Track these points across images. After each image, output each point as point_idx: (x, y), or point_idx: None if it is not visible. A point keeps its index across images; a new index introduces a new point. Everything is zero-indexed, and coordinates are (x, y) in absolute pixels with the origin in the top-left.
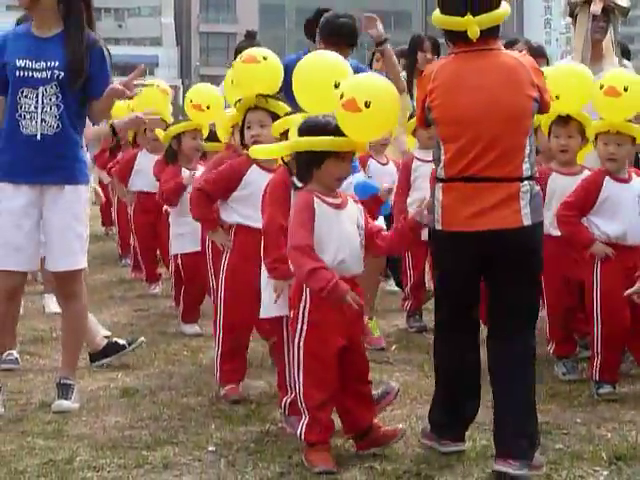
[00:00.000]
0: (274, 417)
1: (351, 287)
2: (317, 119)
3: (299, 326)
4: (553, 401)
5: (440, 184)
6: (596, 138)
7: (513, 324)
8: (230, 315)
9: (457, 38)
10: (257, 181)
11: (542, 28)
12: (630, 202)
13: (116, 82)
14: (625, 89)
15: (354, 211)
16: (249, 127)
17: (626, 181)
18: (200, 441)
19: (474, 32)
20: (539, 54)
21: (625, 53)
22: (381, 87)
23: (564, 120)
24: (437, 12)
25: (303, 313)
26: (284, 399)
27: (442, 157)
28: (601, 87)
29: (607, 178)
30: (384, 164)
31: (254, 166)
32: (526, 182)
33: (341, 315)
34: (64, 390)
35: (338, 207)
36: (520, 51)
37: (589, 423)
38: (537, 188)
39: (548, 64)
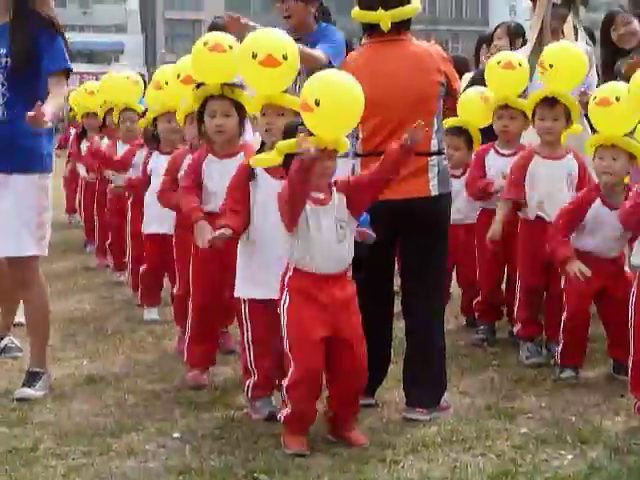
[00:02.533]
0: (239, 403)
1: (335, 283)
2: (294, 122)
3: (283, 320)
4: (518, 386)
5: (358, 159)
6: (594, 153)
7: (425, 284)
8: (200, 297)
9: (372, 30)
10: (215, 169)
11: (507, 14)
12: (616, 223)
13: (79, 68)
14: (617, 99)
15: (337, 205)
16: (213, 116)
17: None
18: (165, 428)
19: (386, 24)
20: (516, 34)
21: (591, 38)
22: (331, 83)
23: (550, 102)
24: (356, 8)
25: (283, 308)
26: (246, 382)
27: (360, 135)
28: (594, 99)
29: (598, 201)
30: None
31: (210, 156)
32: (434, 157)
33: (319, 306)
34: (30, 378)
35: (319, 203)
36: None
37: (554, 407)
38: (445, 162)
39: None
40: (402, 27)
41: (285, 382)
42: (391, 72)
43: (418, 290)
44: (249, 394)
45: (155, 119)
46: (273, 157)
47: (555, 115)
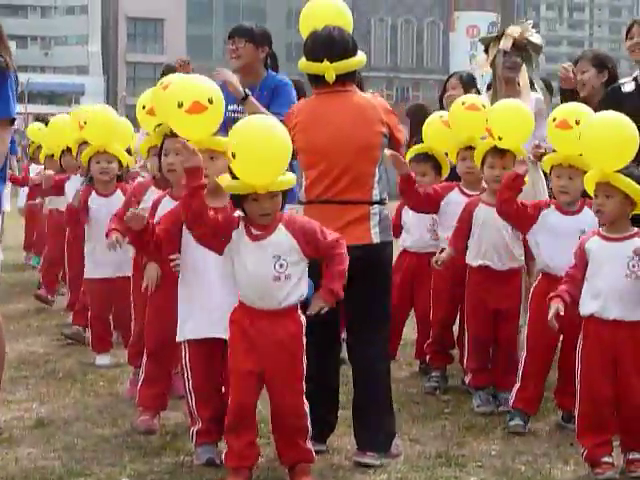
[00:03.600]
0: (189, 448)
1: (275, 319)
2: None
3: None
4: (469, 433)
5: (302, 206)
6: (550, 172)
7: (369, 330)
8: (153, 340)
9: (317, 81)
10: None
11: (467, 63)
12: (574, 235)
13: (39, 109)
14: (577, 122)
15: (279, 242)
16: (166, 154)
17: (573, 213)
18: (114, 473)
19: (330, 76)
20: (470, 84)
21: (548, 89)
22: (247, 135)
23: (501, 151)
24: (303, 59)
25: (228, 339)
26: (191, 428)
27: (303, 182)
28: (553, 120)
29: (552, 207)
30: None
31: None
32: (375, 205)
33: (250, 342)
34: None
35: (256, 238)
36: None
37: (504, 456)
38: (386, 212)
39: (479, 93)
40: (347, 79)
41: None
42: (335, 122)
43: (361, 336)
44: (194, 440)
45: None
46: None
47: (504, 164)
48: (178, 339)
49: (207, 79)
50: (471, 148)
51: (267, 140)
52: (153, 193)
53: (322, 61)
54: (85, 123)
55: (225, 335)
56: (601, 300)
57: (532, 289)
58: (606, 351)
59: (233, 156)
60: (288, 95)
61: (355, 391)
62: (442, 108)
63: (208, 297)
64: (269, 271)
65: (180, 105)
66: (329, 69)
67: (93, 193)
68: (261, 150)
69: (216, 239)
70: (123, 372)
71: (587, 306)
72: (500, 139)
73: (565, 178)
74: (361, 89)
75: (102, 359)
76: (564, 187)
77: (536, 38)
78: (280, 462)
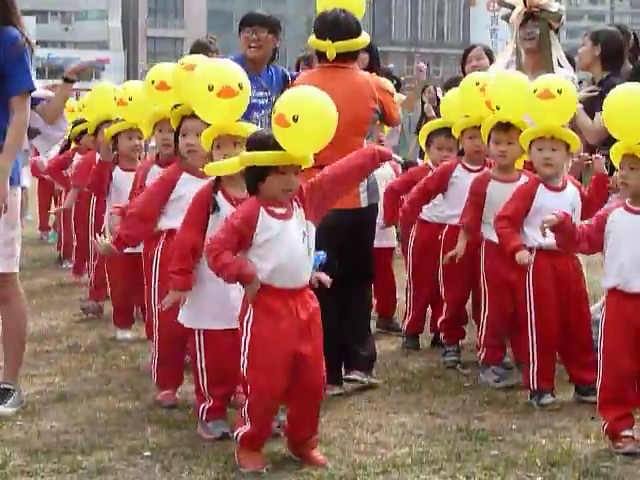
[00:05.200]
0: None
1: (301, 298)
2: (261, 134)
3: (244, 339)
4: (489, 408)
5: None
6: (530, 146)
7: (356, 278)
8: (165, 323)
9: (322, 56)
10: (188, 188)
11: (488, 38)
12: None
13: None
14: (559, 91)
15: (300, 219)
16: (184, 135)
17: (559, 189)
18: (136, 446)
19: (331, 54)
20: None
21: (570, 63)
22: (310, 101)
23: (505, 127)
24: (312, 36)
25: (247, 326)
26: (200, 405)
27: None
28: (534, 91)
29: (541, 187)
30: None
31: (184, 174)
32: None
33: (285, 324)
34: (1, 395)
35: (283, 217)
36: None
37: (524, 430)
38: (373, 177)
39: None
40: (348, 57)
41: (246, 401)
42: (331, 93)
43: (353, 287)
44: (203, 416)
45: (116, 135)
46: (231, 165)
47: (509, 138)
48: (191, 326)
49: (235, 64)
50: (480, 127)
51: (329, 109)
52: (155, 174)
53: (325, 40)
54: (130, 99)
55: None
56: (624, 273)
57: (530, 267)
58: (629, 324)
59: (294, 120)
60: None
61: (344, 327)
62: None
63: (223, 288)
64: (301, 247)
65: (211, 88)
66: (330, 47)
67: (117, 168)
68: (328, 118)
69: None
70: (144, 346)
71: (610, 279)
72: (498, 109)
73: (548, 150)
74: (377, 64)
75: (123, 334)
76: (548, 159)
77: (553, 6)
78: (291, 438)
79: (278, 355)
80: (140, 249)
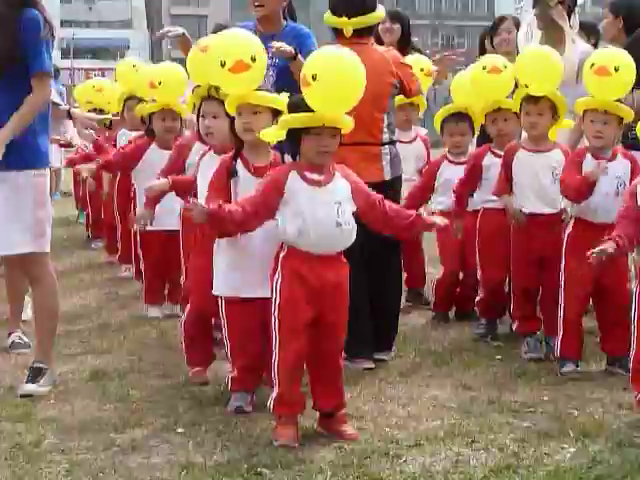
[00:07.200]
0: None
1: (329, 265)
2: (294, 97)
3: (274, 299)
4: (521, 380)
5: None
6: (583, 115)
7: (385, 253)
8: (197, 300)
9: (338, 33)
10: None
11: (512, 10)
12: (608, 181)
13: (85, 64)
14: (616, 69)
15: (338, 189)
16: (203, 117)
17: (608, 161)
18: (169, 423)
19: (348, 31)
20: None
21: (593, 33)
22: (328, 59)
23: (535, 98)
24: (328, 12)
25: (276, 287)
26: (228, 375)
27: None
28: (591, 66)
29: (588, 157)
30: (408, 142)
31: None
32: (386, 146)
33: (309, 287)
34: (34, 373)
35: (316, 184)
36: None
37: (556, 401)
38: (395, 150)
39: (598, 41)
40: (364, 32)
41: (274, 363)
42: None
43: (380, 262)
44: (229, 386)
45: (151, 115)
46: (277, 132)
47: (540, 110)
48: (215, 292)
49: (249, 34)
50: (500, 110)
51: (353, 66)
52: (199, 150)
53: (341, 16)
54: (160, 84)
55: (265, 294)
56: None
57: (566, 235)
58: None
59: (313, 78)
60: (313, 45)
61: (373, 302)
62: (483, 52)
63: (249, 256)
64: (332, 217)
65: (223, 64)
66: (347, 24)
67: (153, 144)
68: (347, 74)
69: (256, 223)
70: (175, 324)
71: None
72: (527, 87)
73: (600, 123)
74: (408, 35)
75: (154, 311)
76: (599, 132)
77: None
78: (319, 410)
79: (301, 317)
80: (171, 227)
